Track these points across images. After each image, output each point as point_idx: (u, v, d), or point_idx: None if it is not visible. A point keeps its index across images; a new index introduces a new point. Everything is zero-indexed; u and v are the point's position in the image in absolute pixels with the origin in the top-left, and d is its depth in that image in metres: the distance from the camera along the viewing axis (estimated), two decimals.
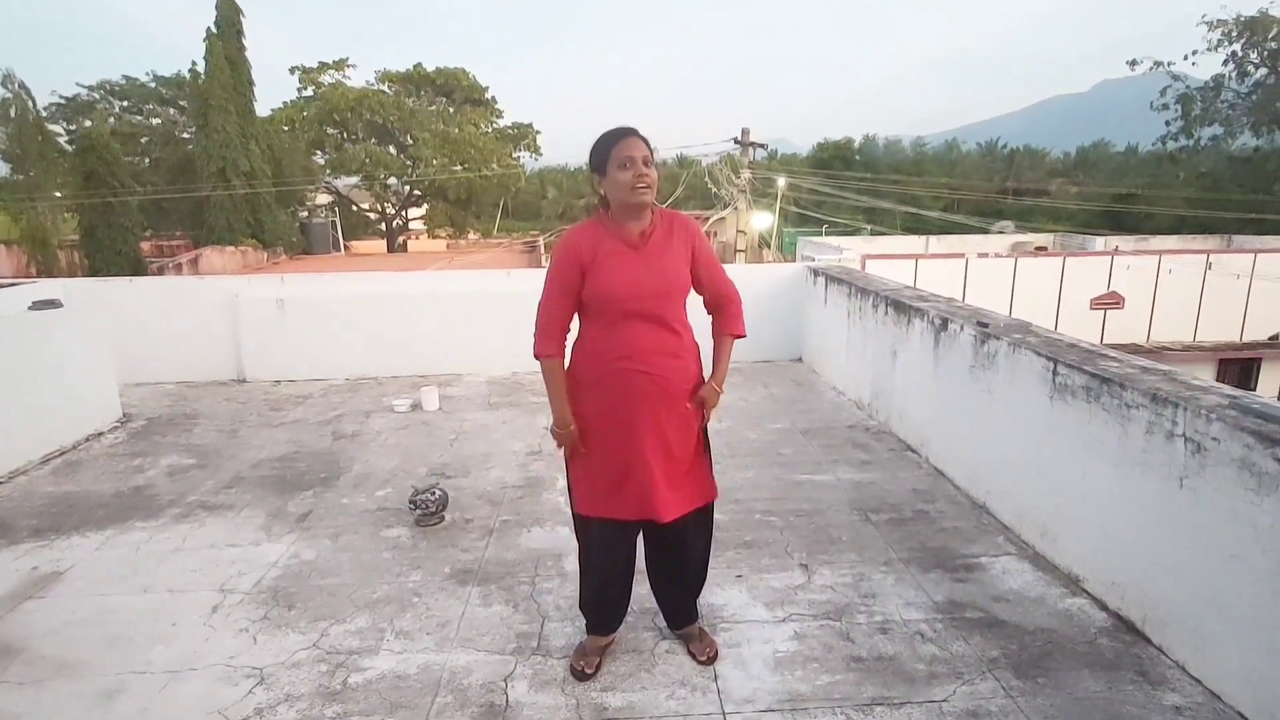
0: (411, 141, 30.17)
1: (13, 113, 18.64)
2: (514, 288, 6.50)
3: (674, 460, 2.28)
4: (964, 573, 3.01)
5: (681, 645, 2.54)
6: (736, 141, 20.70)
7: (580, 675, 2.39)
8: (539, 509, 3.70)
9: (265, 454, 4.60)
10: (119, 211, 18.46)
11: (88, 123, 24.53)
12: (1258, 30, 25.92)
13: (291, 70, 30.92)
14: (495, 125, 33.39)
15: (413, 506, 3.52)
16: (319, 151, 30.38)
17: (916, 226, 30.96)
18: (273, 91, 29.05)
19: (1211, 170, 29.21)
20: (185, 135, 25.44)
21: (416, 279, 8.05)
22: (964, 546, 3.23)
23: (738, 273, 7.90)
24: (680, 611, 2.56)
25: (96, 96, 27.51)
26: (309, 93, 30.53)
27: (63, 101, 27.04)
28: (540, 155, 35.81)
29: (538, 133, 34.63)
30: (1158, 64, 27.89)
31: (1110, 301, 14.58)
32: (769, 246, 24.24)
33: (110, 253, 18.33)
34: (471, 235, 33.00)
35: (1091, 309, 14.55)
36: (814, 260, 10.17)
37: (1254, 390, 5.51)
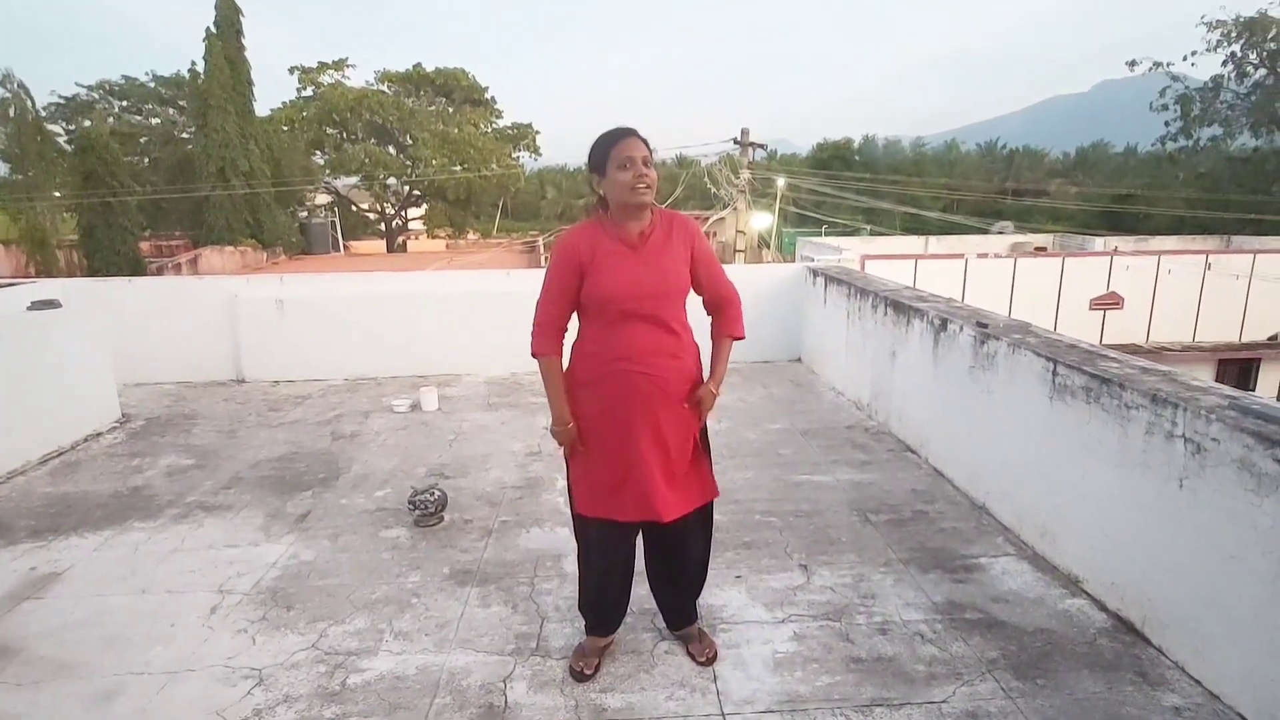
0: (411, 141, 30.18)
1: (12, 112, 18.65)
2: (513, 288, 6.50)
3: (674, 460, 2.27)
4: (963, 573, 3.01)
5: (681, 646, 2.54)
6: (736, 142, 20.71)
7: (579, 676, 2.38)
8: (538, 509, 3.69)
9: (264, 454, 4.59)
10: (118, 211, 18.46)
11: (87, 122, 24.52)
12: (1257, 31, 25.94)
13: (291, 70, 30.93)
14: (495, 125, 33.41)
15: (412, 507, 3.52)
16: (318, 151, 30.39)
17: (916, 227, 30.98)
18: (272, 91, 29.08)
19: (1210, 171, 29.22)
20: (184, 135, 25.45)
21: (416, 279, 8.04)
22: (963, 547, 3.23)
23: (737, 273, 7.89)
24: (679, 612, 2.55)
25: (96, 96, 27.52)
26: (308, 93, 30.55)
27: (62, 101, 27.04)
28: (539, 155, 35.87)
29: (537, 133, 34.66)
30: (1157, 64, 27.92)
31: (1109, 302, 14.58)
32: (768, 247, 24.24)
33: (109, 253, 18.32)
34: (471, 235, 33.02)
35: (1091, 309, 14.55)
36: (813, 260, 10.17)
37: (1253, 390, 5.51)
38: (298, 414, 5.46)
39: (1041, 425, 3.14)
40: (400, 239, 34.35)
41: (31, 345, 4.62)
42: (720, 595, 2.85)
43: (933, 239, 24.42)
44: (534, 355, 2.27)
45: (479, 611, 2.79)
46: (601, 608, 2.46)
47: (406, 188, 32.30)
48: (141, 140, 27.06)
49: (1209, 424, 2.27)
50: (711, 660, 2.46)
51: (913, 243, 24.02)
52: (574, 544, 2.51)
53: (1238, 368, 14.58)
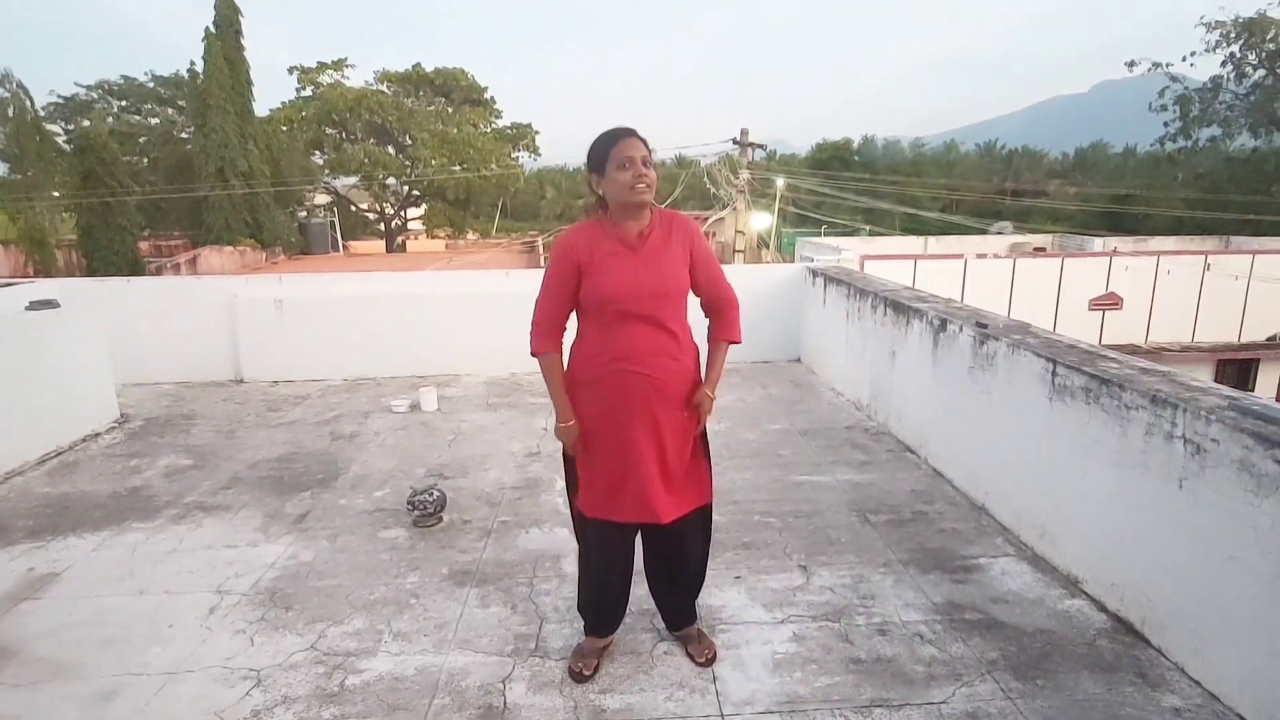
0: (410, 142, 30.17)
1: (11, 112, 18.64)
2: (512, 288, 6.49)
3: (671, 462, 2.27)
4: (963, 574, 3.01)
5: (680, 647, 2.53)
6: (735, 142, 20.71)
7: (578, 677, 2.38)
8: (537, 510, 3.69)
9: (263, 454, 4.59)
10: (117, 211, 18.44)
11: (86, 122, 24.49)
12: (1256, 32, 25.95)
13: (290, 70, 30.91)
14: (494, 125, 33.40)
15: (411, 507, 3.51)
16: (317, 151, 30.37)
17: (915, 227, 31.00)
18: (271, 91, 29.07)
19: (1209, 171, 29.23)
20: (184, 135, 25.41)
21: (415, 279, 8.04)
22: (963, 548, 3.23)
23: (736, 273, 7.89)
24: (679, 613, 2.55)
25: (95, 96, 27.49)
26: (307, 93, 30.53)
27: (61, 101, 27.02)
28: (539, 155, 35.86)
29: (536, 133, 34.65)
30: (1156, 65, 27.93)
31: (1109, 302, 14.59)
32: (768, 247, 24.24)
33: (108, 252, 18.30)
34: (470, 235, 32.99)
35: (1090, 310, 14.56)
36: (813, 261, 10.17)
37: (1252, 391, 5.51)
38: (297, 414, 5.45)
39: (1041, 426, 3.13)
40: (399, 239, 34.34)
41: (30, 345, 4.61)
42: (719, 596, 2.85)
43: (932, 239, 24.43)
44: (533, 354, 2.28)
45: (478, 612, 2.79)
46: (601, 608, 2.46)
47: (406, 188, 32.28)
48: (140, 140, 27.02)
49: (1209, 425, 2.26)
50: (711, 661, 2.45)
51: (912, 243, 24.03)
52: (573, 544, 2.51)
53: (1237, 368, 14.60)
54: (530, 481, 4.07)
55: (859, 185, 31.83)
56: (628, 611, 2.57)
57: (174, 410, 5.62)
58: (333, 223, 29.19)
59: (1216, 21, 26.51)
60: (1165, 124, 29.32)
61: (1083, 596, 2.81)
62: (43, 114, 21.51)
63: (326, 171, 30.39)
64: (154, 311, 6.40)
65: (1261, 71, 26.72)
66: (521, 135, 34.20)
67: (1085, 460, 2.84)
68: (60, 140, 22.45)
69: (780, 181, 26.49)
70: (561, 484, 3.65)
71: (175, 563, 3.22)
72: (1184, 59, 27.67)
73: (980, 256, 15.46)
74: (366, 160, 29.02)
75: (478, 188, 30.53)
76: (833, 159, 40.23)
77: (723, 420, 4.98)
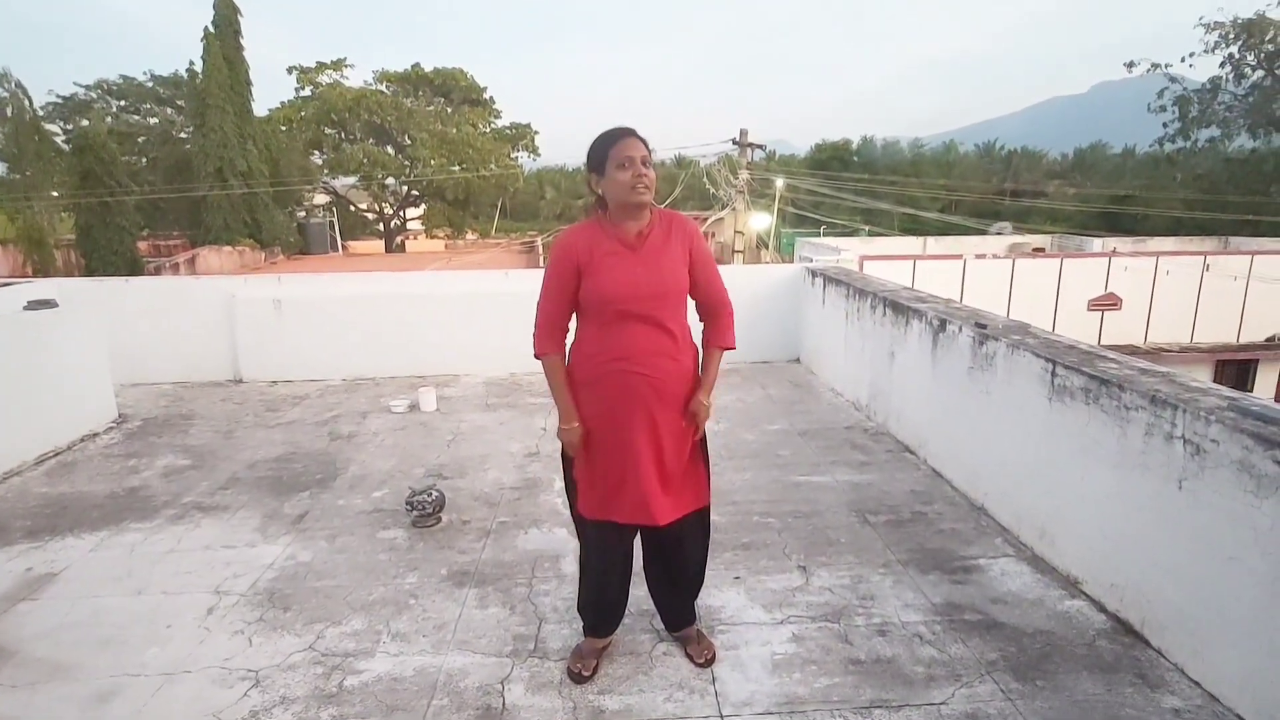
0: (409, 142, 30.16)
1: (9, 112, 18.63)
2: (512, 288, 6.49)
3: (669, 463, 2.27)
4: (962, 574, 3.00)
5: (679, 647, 2.53)
6: (735, 142, 20.72)
7: (577, 678, 2.37)
8: (536, 510, 3.69)
9: (261, 455, 4.58)
10: (116, 211, 18.42)
11: (85, 122, 24.46)
12: (1255, 32, 25.95)
13: (289, 70, 30.91)
14: (493, 125, 33.39)
15: (409, 508, 3.51)
16: (317, 151, 30.36)
17: (914, 227, 30.99)
18: (270, 91, 29.06)
19: (1208, 172, 29.24)
20: (183, 135, 25.40)
21: (414, 279, 8.03)
22: (962, 548, 3.23)
23: (735, 274, 7.90)
24: (678, 613, 2.55)
25: (94, 96, 27.46)
26: (306, 93, 30.52)
27: (60, 101, 26.99)
28: (538, 155, 35.85)
29: (536, 133, 34.65)
30: (1155, 66, 27.94)
31: (1108, 303, 14.60)
32: (767, 247, 24.25)
33: (107, 252, 18.28)
34: (470, 235, 32.99)
35: (1089, 310, 14.55)
36: (812, 261, 10.17)
37: (1251, 391, 5.52)
38: (295, 414, 5.44)
39: (1040, 426, 3.13)
40: (399, 239, 34.33)
41: (28, 345, 4.60)
42: (719, 596, 2.85)
43: (931, 240, 24.42)
44: (536, 356, 2.27)
45: (477, 613, 2.78)
46: (600, 609, 2.45)
47: (405, 188, 32.28)
48: (139, 140, 27.01)
49: (1208, 425, 2.26)
50: (710, 662, 2.45)
51: (911, 243, 24.02)
52: (572, 545, 2.50)
53: (1235, 368, 14.61)
54: (529, 482, 4.06)
55: (858, 186, 31.84)
56: (627, 612, 2.57)
57: (172, 410, 5.61)
58: (332, 223, 29.19)
59: (1215, 22, 26.52)
60: (1164, 125, 29.32)
61: (1082, 597, 2.81)
62: (41, 113, 21.49)
63: (325, 171, 30.39)
64: (152, 311, 6.39)
65: (1260, 72, 26.73)
66: (521, 135, 34.20)
67: (1085, 461, 2.84)
68: (59, 140, 22.44)
69: (779, 182, 26.51)
70: (560, 484, 3.64)
71: (173, 563, 3.21)
72: (1183, 60, 27.68)
73: (979, 257, 15.45)
74: (365, 160, 29.01)
75: (477, 188, 30.53)
76: (832, 159, 40.23)
77: (722, 420, 4.98)
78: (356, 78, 35.99)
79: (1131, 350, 12.14)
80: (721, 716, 2.22)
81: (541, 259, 20.60)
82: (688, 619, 2.55)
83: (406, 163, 30.28)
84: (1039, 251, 21.67)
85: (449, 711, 2.25)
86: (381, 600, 2.88)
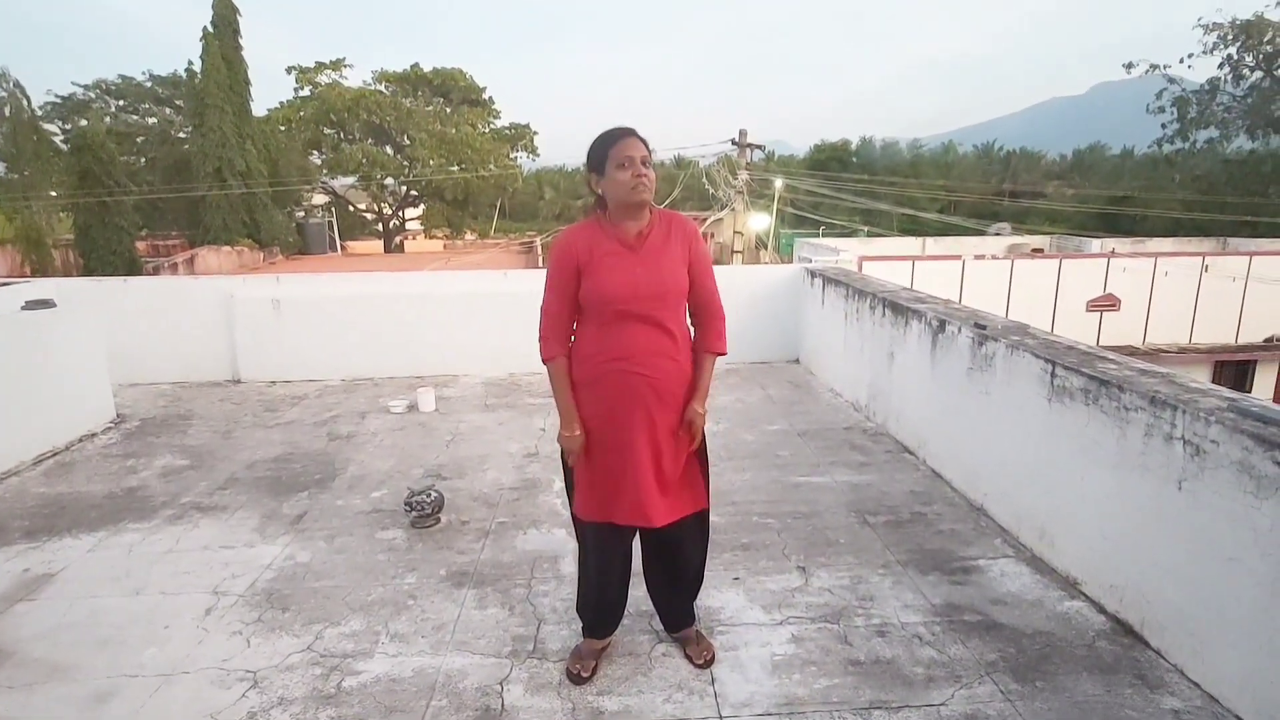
0: (408, 142, 30.16)
1: (8, 111, 18.60)
2: (511, 288, 6.49)
3: (667, 464, 2.27)
4: (962, 575, 3.00)
5: (678, 648, 2.53)
6: (734, 143, 20.74)
7: (576, 679, 2.37)
8: (535, 511, 3.68)
9: (260, 455, 4.57)
10: (114, 211, 18.40)
11: (83, 122, 24.42)
12: (1253, 34, 25.98)
13: (288, 70, 30.89)
14: (492, 125, 33.39)
15: (408, 508, 3.50)
16: (315, 151, 30.35)
17: (913, 228, 30.99)
18: (269, 91, 29.05)
19: (1207, 173, 29.27)
20: (181, 135, 25.38)
21: (413, 279, 8.03)
22: (962, 549, 3.22)
23: (735, 274, 7.90)
24: (677, 614, 2.54)
25: (92, 96, 27.42)
26: (305, 93, 30.51)
27: (58, 100, 26.95)
28: (537, 156, 35.86)
29: (535, 133, 34.66)
30: (1154, 67, 27.96)
31: (1106, 303, 14.61)
32: (766, 248, 24.26)
33: (105, 252, 18.25)
34: (468, 236, 32.98)
35: (1088, 311, 14.57)
36: (811, 261, 10.17)
37: (1249, 392, 5.51)
38: (294, 414, 5.44)
39: (1040, 427, 3.13)
40: (398, 239, 34.32)
41: (26, 345, 4.59)
42: (718, 597, 2.84)
43: (930, 240, 24.42)
44: (544, 361, 2.26)
45: (476, 613, 2.78)
46: (599, 609, 2.45)
47: (404, 188, 32.28)
48: (138, 140, 26.97)
49: (1208, 426, 2.26)
50: (709, 663, 2.45)
51: (910, 244, 24.02)
52: (571, 545, 2.50)
53: (1234, 369, 14.62)
54: (528, 482, 4.06)
55: (857, 186, 31.85)
56: (626, 613, 2.56)
57: (171, 410, 5.60)
58: (331, 223, 29.17)
59: (1214, 24, 26.55)
60: (1163, 126, 29.36)
61: (1082, 598, 2.81)
62: (40, 113, 21.45)
63: (324, 171, 30.37)
64: (151, 311, 6.38)
65: (1259, 74, 26.76)
66: (520, 135, 34.20)
67: (1084, 461, 2.84)
68: (57, 140, 22.39)
69: (778, 182, 26.52)
70: (559, 485, 3.65)
71: (171, 563, 3.21)
72: (1181, 61, 27.70)
73: (978, 258, 15.45)
74: (364, 160, 29.01)
75: (476, 188, 30.53)
76: (831, 160, 40.24)
77: (721, 421, 4.98)
78: (355, 78, 36.11)
79: (1130, 351, 12.15)
80: (721, 717, 2.21)
81: (540, 259, 20.60)
82: (687, 620, 2.55)
83: (405, 163, 30.28)
84: (1038, 252, 21.68)
85: (448, 712, 2.25)
86: (380, 601, 2.88)
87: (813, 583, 2.96)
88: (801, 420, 5.08)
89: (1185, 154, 29.78)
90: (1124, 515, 2.63)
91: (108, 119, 26.09)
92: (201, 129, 20.99)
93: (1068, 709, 2.21)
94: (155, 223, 24.62)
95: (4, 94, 18.47)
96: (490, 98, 33.22)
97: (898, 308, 4.65)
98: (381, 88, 31.32)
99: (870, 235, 28.15)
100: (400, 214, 34.92)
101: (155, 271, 16.93)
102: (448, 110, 32.13)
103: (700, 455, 2.40)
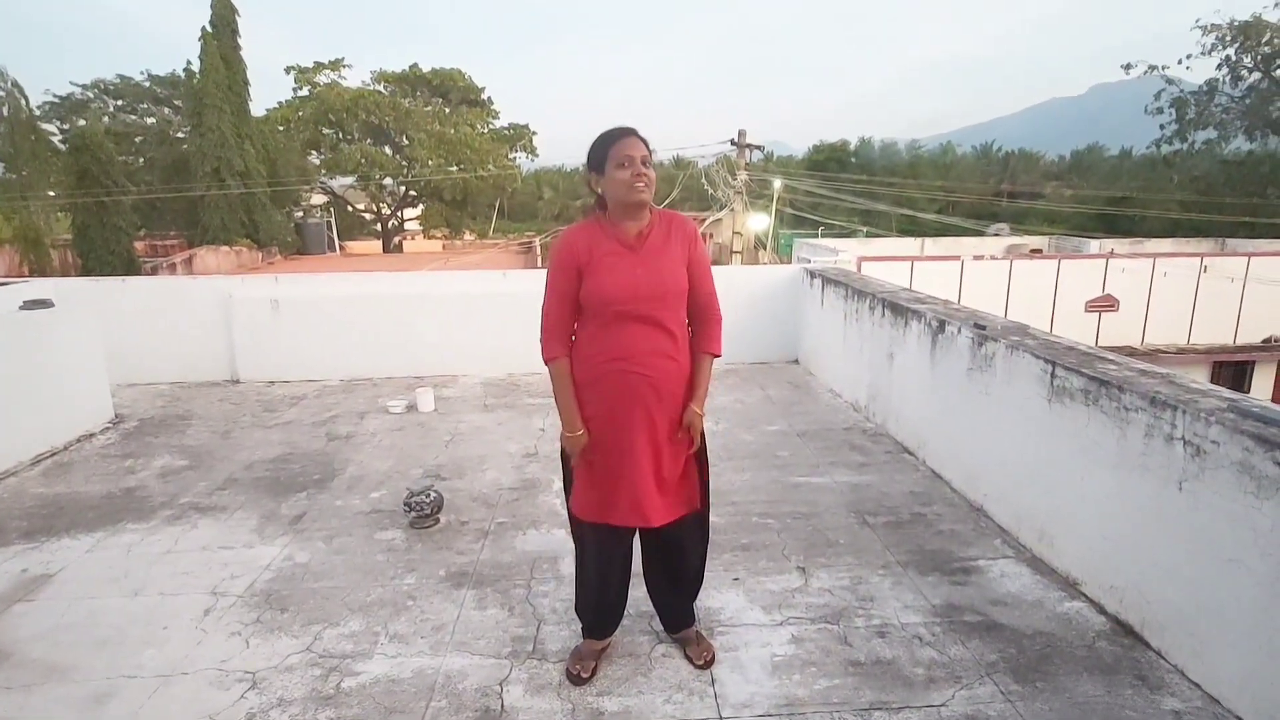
0: (407, 142, 30.13)
1: (6, 111, 18.56)
2: (510, 289, 6.49)
3: (666, 464, 2.26)
4: (962, 576, 3.00)
5: (678, 649, 2.52)
6: (733, 143, 20.75)
7: (576, 679, 2.37)
8: (535, 511, 3.68)
9: (259, 455, 4.57)
10: (113, 211, 18.38)
11: (81, 122, 24.40)
12: (1251, 35, 26.03)
13: (287, 70, 30.84)
14: (491, 126, 33.38)
15: (407, 509, 3.50)
16: (314, 151, 30.32)
17: (912, 229, 31.02)
18: (268, 91, 29.01)
19: (1205, 174, 29.31)
20: (180, 135, 25.35)
21: (412, 280, 8.02)
22: (962, 549, 3.22)
23: (734, 274, 7.90)
24: (677, 615, 2.54)
25: (90, 95, 27.38)
26: (304, 93, 30.47)
27: (56, 100, 26.90)
28: (536, 156, 35.85)
29: (534, 133, 34.66)
30: (1152, 68, 28.00)
31: (1105, 304, 14.62)
32: (765, 248, 24.27)
33: (104, 252, 18.24)
34: (467, 236, 32.97)
35: (1086, 311, 14.58)
36: (810, 262, 10.17)
37: (1247, 393, 5.51)
38: (293, 415, 5.43)
39: (1040, 427, 3.13)
40: (396, 239, 34.30)
41: (24, 345, 4.59)
42: (718, 598, 2.84)
43: (929, 241, 24.43)
44: (546, 362, 2.26)
45: (475, 614, 2.77)
46: (599, 610, 2.45)
47: (403, 188, 32.25)
48: (136, 140, 26.92)
49: (1208, 426, 2.26)
50: (709, 663, 2.44)
51: (909, 244, 24.04)
52: (570, 546, 2.49)
53: (1232, 370, 14.64)
54: (528, 483, 4.05)
55: (856, 187, 31.88)
56: (626, 613, 2.56)
57: (169, 410, 5.59)
58: (329, 223, 29.15)
59: (1212, 25, 26.59)
60: (1161, 127, 29.40)
61: (1082, 598, 2.80)
62: (38, 113, 21.42)
63: (323, 171, 30.34)
64: (149, 311, 6.37)
65: (1257, 75, 26.80)
66: (519, 136, 34.19)
67: (1084, 462, 2.84)
68: (55, 139, 22.34)
69: (777, 183, 26.54)
70: (559, 485, 3.64)
71: (170, 564, 3.20)
72: (1180, 62, 27.76)
73: (977, 258, 15.47)
74: (363, 160, 28.98)
75: (475, 188, 30.52)
76: (830, 160, 40.26)
77: (721, 421, 4.97)
78: (354, 78, 36.06)
79: (1129, 352, 12.16)
80: (721, 718, 2.21)
81: (540, 260, 20.59)
82: (687, 620, 2.54)
83: (404, 163, 30.26)
84: (1036, 253, 21.70)
85: (447, 713, 2.24)
86: (379, 601, 2.87)
87: (813, 583, 2.95)
88: (801, 420, 5.07)
89: (1183, 155, 29.83)
90: (1124, 516, 2.63)
91: (106, 119, 26.07)
92: (200, 129, 20.97)
93: (1068, 710, 2.21)
94: (153, 223, 24.60)
95: (2, 93, 18.44)
96: (489, 98, 33.23)
97: (897, 308, 4.65)
98: (380, 88, 31.30)
99: (869, 236, 28.17)
100: (399, 214, 34.90)
101: (153, 271, 16.92)
102: (446, 110, 32.12)
103: (700, 456, 2.39)
